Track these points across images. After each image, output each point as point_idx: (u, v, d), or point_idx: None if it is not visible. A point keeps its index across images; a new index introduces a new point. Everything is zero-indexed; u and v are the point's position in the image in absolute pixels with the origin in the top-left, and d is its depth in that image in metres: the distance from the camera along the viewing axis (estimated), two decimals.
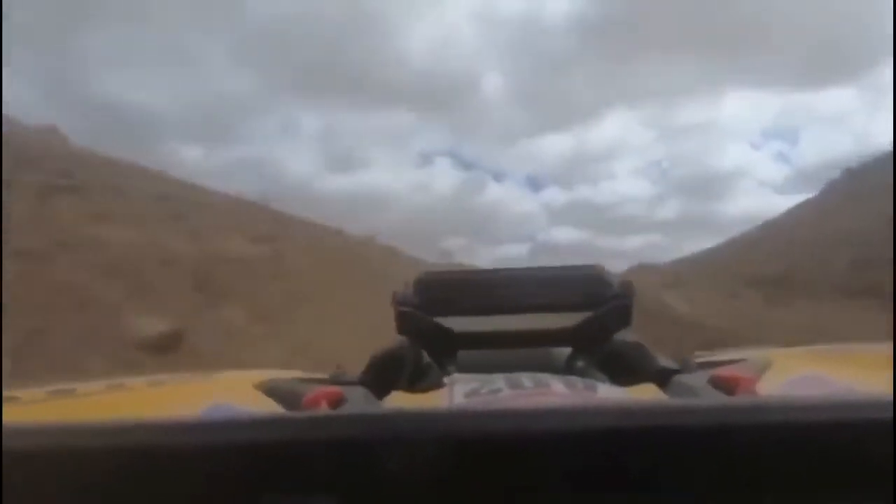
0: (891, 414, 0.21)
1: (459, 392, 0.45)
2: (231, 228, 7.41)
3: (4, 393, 0.47)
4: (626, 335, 0.67)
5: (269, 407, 0.50)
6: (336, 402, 0.45)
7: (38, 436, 0.24)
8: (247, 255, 6.77)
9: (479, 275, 0.72)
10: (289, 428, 0.24)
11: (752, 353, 0.65)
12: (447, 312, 0.68)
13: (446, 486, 0.23)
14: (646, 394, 0.49)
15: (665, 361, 0.62)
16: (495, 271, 0.73)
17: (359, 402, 0.49)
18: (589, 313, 0.67)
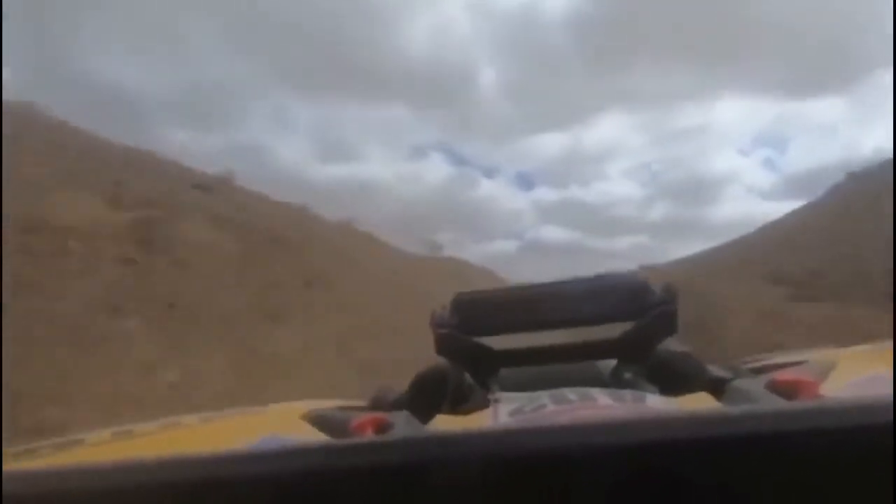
0: None
1: (504, 411, 0.45)
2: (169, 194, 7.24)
3: (70, 436, 0.49)
4: (672, 343, 0.65)
5: (316, 437, 0.50)
6: (381, 427, 0.45)
7: (88, 477, 0.25)
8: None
9: (516, 291, 0.72)
10: (337, 456, 0.24)
11: (813, 355, 0.63)
12: (486, 332, 0.68)
13: None
14: (700, 403, 0.47)
15: (716, 370, 0.60)
16: (532, 286, 0.72)
17: (404, 426, 0.49)
18: (632, 323, 0.66)
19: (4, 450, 0.48)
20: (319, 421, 0.54)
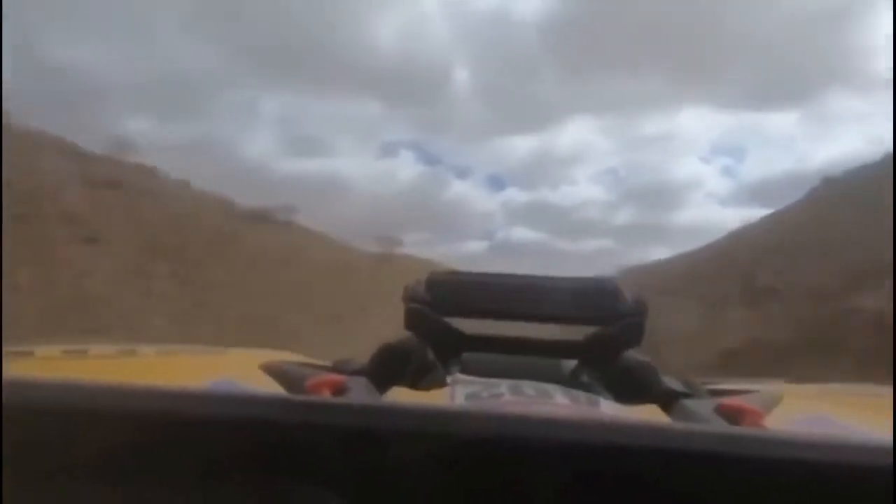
0: (891, 460, 0.21)
1: (461, 393, 0.45)
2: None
3: (19, 347, 0.48)
4: (635, 353, 0.66)
5: (272, 388, 0.50)
6: (338, 389, 0.45)
7: (40, 391, 0.25)
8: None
9: (492, 278, 0.71)
10: (290, 410, 0.25)
11: (764, 386, 0.64)
12: (457, 313, 0.68)
13: (439, 483, 0.23)
14: (648, 415, 0.49)
15: (673, 383, 0.61)
16: (509, 276, 0.72)
17: (360, 392, 0.49)
18: (600, 328, 0.66)
19: None
20: (277, 373, 0.54)
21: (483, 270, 0.72)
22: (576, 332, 0.68)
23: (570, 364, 0.70)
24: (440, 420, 0.24)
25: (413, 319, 0.66)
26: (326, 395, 0.43)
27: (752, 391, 0.61)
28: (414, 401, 0.47)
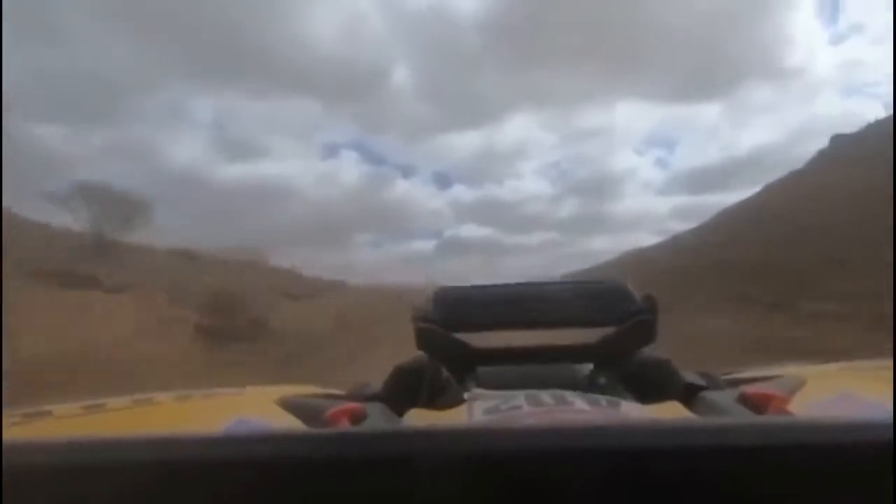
0: None
1: (479, 408, 0.45)
2: None
3: (36, 408, 0.48)
4: (649, 351, 0.66)
5: (290, 423, 0.50)
6: (357, 418, 0.44)
7: (54, 451, 0.24)
8: None
9: (498, 289, 0.71)
10: (311, 444, 0.24)
11: (785, 370, 0.64)
12: (467, 328, 0.68)
13: (467, 502, 0.22)
14: (670, 412, 0.48)
15: (691, 378, 0.60)
16: (515, 286, 0.72)
17: (379, 418, 0.48)
18: (611, 329, 0.66)
19: None
20: (294, 407, 0.53)
21: (490, 283, 0.73)
22: (588, 336, 0.68)
23: (587, 368, 0.70)
24: (461, 439, 0.24)
25: (424, 339, 0.65)
26: (346, 425, 0.42)
27: (774, 377, 0.61)
28: (432, 422, 0.47)
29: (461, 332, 0.67)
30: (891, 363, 0.62)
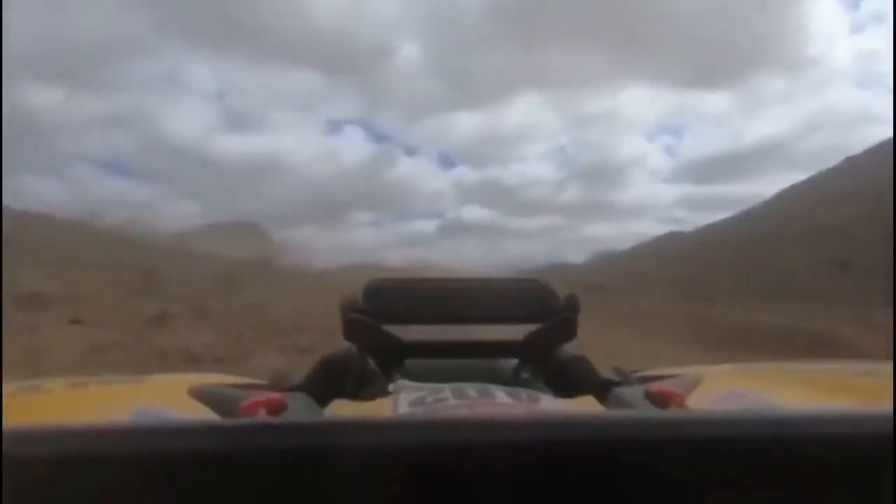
0: (822, 428, 0.23)
1: (404, 400, 0.45)
2: None
3: None
4: (571, 349, 0.69)
5: (203, 414, 0.48)
6: (276, 409, 0.44)
7: None
8: None
9: (428, 283, 0.72)
10: (223, 436, 0.23)
11: (685, 370, 0.69)
12: (396, 320, 0.68)
13: (388, 497, 0.22)
14: (586, 406, 0.51)
15: (607, 375, 0.64)
16: (445, 281, 0.73)
17: (300, 409, 0.48)
18: (535, 326, 0.68)
19: None
20: (207, 397, 0.51)
21: (420, 276, 0.73)
22: (514, 332, 0.70)
23: (512, 363, 0.72)
24: (384, 431, 0.24)
25: (352, 329, 0.65)
26: (263, 416, 0.41)
27: (676, 375, 0.65)
28: (356, 414, 0.46)
29: (390, 324, 0.67)
30: (777, 366, 0.66)
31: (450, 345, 0.70)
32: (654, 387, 0.53)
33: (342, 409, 0.49)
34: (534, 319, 0.68)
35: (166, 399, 0.53)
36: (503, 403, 0.43)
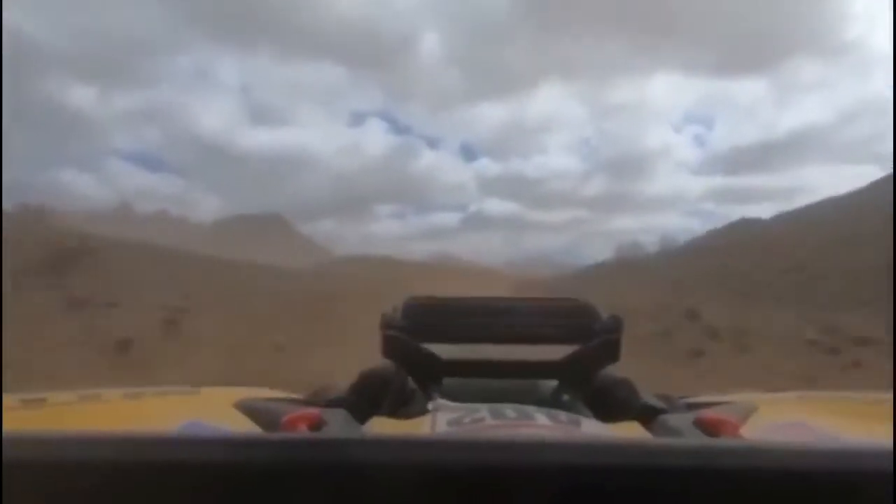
0: (888, 463, 0.22)
1: (442, 420, 0.45)
2: None
3: None
4: (613, 371, 0.67)
5: (247, 427, 0.49)
6: (315, 424, 0.44)
7: None
8: None
9: (468, 302, 0.71)
10: (265, 449, 0.24)
11: (739, 397, 0.65)
12: (434, 338, 0.68)
13: None
14: (629, 431, 0.49)
15: (651, 400, 0.62)
16: (485, 299, 0.72)
17: (339, 425, 0.48)
18: (577, 347, 0.67)
19: None
20: (251, 411, 0.53)
21: (461, 295, 0.72)
22: (554, 353, 0.68)
23: (551, 385, 0.70)
24: (422, 450, 0.24)
25: (390, 347, 0.65)
26: (303, 431, 0.42)
27: (728, 402, 0.62)
28: (394, 431, 0.47)
29: (428, 342, 0.67)
30: (846, 396, 0.61)
31: (488, 364, 0.69)
32: (705, 414, 0.50)
33: (380, 426, 0.49)
34: (575, 340, 0.66)
35: (213, 411, 0.54)
36: (542, 425, 0.43)
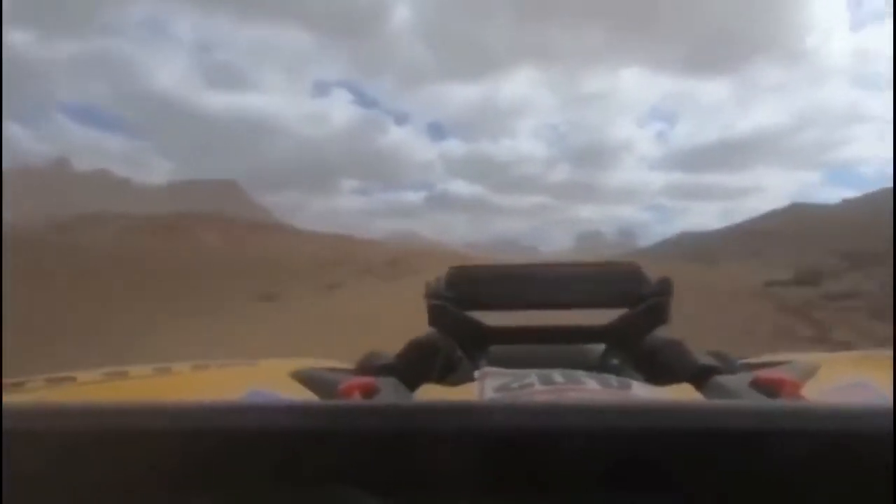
0: None
1: (490, 386, 0.45)
2: None
3: (60, 373, 0.50)
4: (662, 332, 0.65)
5: (304, 395, 0.50)
6: (370, 392, 0.45)
7: (76, 416, 0.25)
8: None
9: (512, 269, 0.71)
10: (327, 416, 0.25)
11: (799, 357, 0.63)
12: (479, 306, 0.67)
13: (476, 479, 0.23)
14: (682, 394, 0.48)
15: (705, 360, 0.59)
16: (529, 266, 0.71)
17: (391, 393, 0.49)
18: (625, 310, 0.66)
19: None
20: (307, 380, 0.54)
21: (504, 263, 0.72)
22: (600, 318, 0.68)
23: (599, 349, 0.70)
24: (473, 415, 0.24)
25: (436, 315, 0.65)
26: (358, 399, 0.43)
27: (787, 362, 0.59)
28: (444, 398, 0.47)
29: (473, 310, 0.67)
30: None
31: (535, 330, 0.70)
32: (763, 374, 0.48)
33: (430, 393, 0.49)
34: (623, 303, 0.66)
35: (273, 381, 0.56)
36: (592, 390, 0.42)
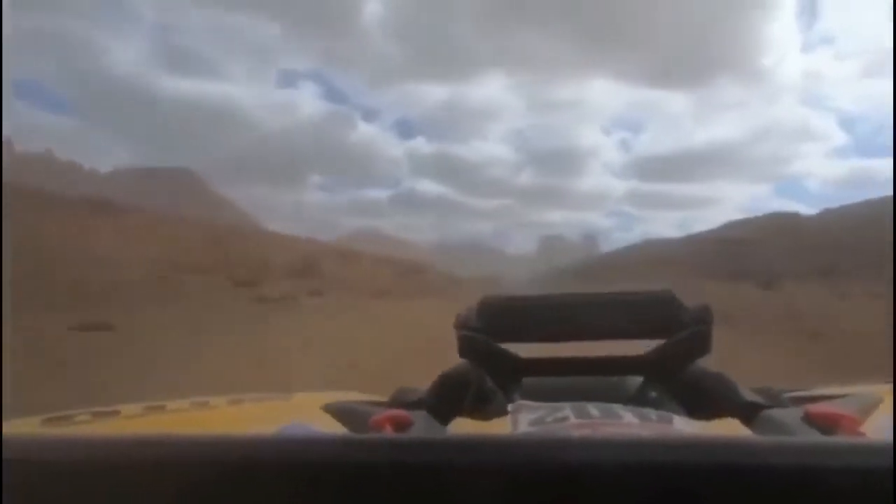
0: None
1: (524, 420, 0.44)
2: None
3: (104, 407, 0.51)
4: (704, 364, 0.63)
5: (336, 428, 0.51)
6: (401, 425, 0.44)
7: (76, 448, 0.26)
8: None
9: (545, 300, 0.69)
10: (358, 449, 0.25)
11: (857, 389, 0.59)
12: (511, 338, 0.66)
13: None
14: (729, 429, 0.45)
15: (750, 395, 0.56)
16: (562, 296, 0.69)
17: (424, 426, 0.48)
18: (664, 340, 0.63)
19: (42, 415, 0.49)
20: (340, 413, 0.54)
21: (535, 294, 0.70)
22: (638, 348, 0.65)
23: (636, 381, 0.67)
24: (506, 449, 0.24)
25: (466, 347, 0.64)
26: (390, 432, 0.42)
27: (843, 395, 0.56)
28: (477, 431, 0.46)
29: (505, 341, 0.65)
30: None
31: (569, 362, 0.67)
32: (816, 409, 0.45)
33: (462, 426, 0.49)
34: (661, 334, 0.63)
35: (307, 414, 0.57)
36: (630, 424, 0.41)
